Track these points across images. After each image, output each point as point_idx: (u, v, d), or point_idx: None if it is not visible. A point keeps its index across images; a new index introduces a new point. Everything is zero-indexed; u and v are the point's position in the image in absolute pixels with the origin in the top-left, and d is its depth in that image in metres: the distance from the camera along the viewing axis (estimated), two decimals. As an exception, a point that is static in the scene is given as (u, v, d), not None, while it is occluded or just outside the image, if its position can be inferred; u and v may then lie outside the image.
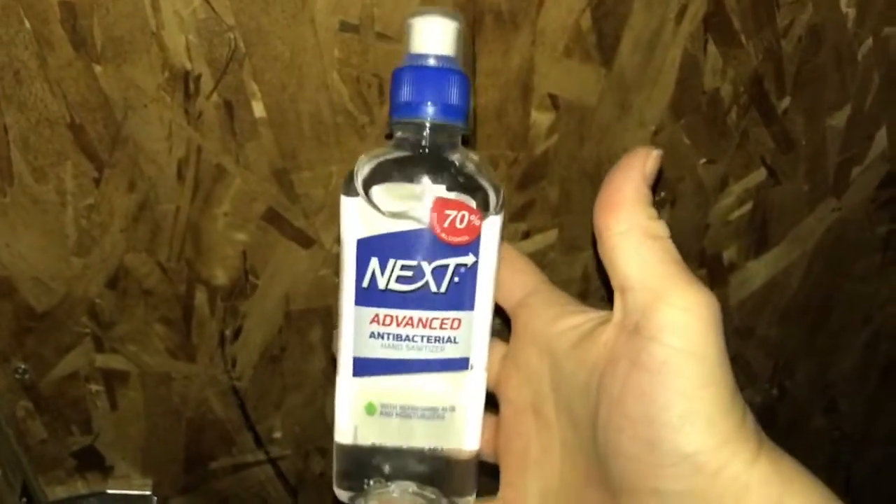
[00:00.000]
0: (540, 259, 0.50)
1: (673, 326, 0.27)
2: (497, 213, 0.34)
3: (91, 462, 0.52)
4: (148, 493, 0.55)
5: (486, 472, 0.38)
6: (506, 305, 0.36)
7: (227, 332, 0.48)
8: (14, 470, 0.49)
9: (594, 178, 0.47)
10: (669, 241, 0.30)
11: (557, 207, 0.48)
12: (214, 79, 0.39)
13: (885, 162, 0.52)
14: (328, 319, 0.49)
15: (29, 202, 0.41)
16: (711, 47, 0.44)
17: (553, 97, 0.44)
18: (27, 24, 0.36)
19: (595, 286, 0.52)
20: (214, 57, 0.39)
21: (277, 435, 0.54)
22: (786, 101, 0.48)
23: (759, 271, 0.55)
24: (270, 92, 0.40)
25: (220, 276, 0.46)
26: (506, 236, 0.48)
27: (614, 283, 0.30)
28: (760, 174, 0.50)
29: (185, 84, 0.39)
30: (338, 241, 0.45)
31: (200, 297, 0.46)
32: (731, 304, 0.56)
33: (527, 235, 0.49)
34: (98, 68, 0.38)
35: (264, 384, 0.51)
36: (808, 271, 0.56)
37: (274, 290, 0.47)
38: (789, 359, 0.62)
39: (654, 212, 0.30)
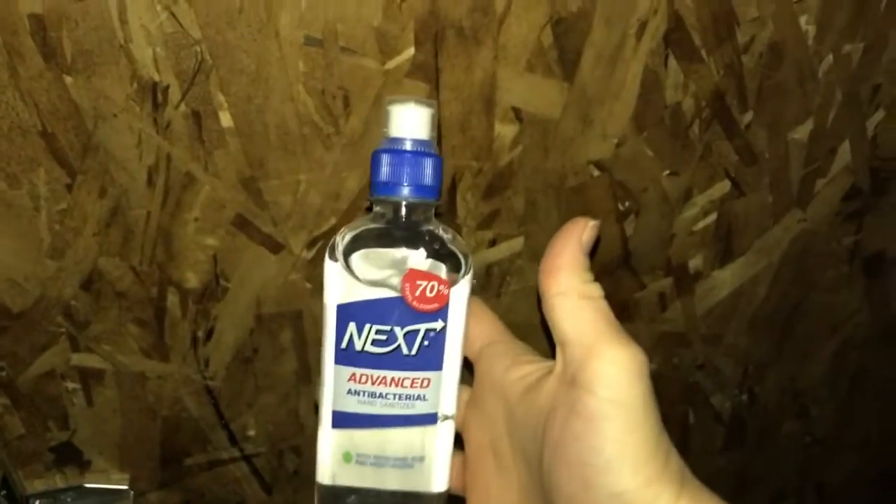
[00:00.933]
0: (507, 266, 0.51)
1: (603, 378, 0.30)
2: (465, 277, 0.36)
3: (69, 457, 0.54)
4: (125, 487, 0.56)
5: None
6: (468, 354, 0.39)
7: (200, 334, 0.50)
8: (-7, 464, 0.50)
9: (559, 189, 0.48)
10: (603, 301, 0.33)
11: (523, 216, 0.49)
12: (182, 90, 0.41)
13: (850, 174, 0.53)
14: (299, 323, 0.50)
15: (3, 207, 0.42)
16: (672, 62, 0.45)
17: (517, 110, 0.45)
18: (-2, 37, 0.37)
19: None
20: (182, 69, 0.40)
21: (251, 433, 0.56)
22: (748, 116, 0.49)
23: (725, 280, 0.56)
24: (237, 103, 0.41)
25: (192, 280, 0.47)
26: (473, 244, 0.49)
27: (555, 338, 0.33)
28: (724, 186, 0.51)
29: (154, 95, 0.40)
30: (307, 246, 0.47)
31: (172, 299, 0.48)
32: (698, 312, 0.57)
33: (493, 243, 0.50)
34: (68, 79, 0.39)
35: (237, 384, 0.53)
36: (774, 281, 0.57)
37: (244, 294, 0.48)
38: (759, 366, 0.63)
39: (589, 276, 0.33)
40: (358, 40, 0.41)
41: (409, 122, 0.36)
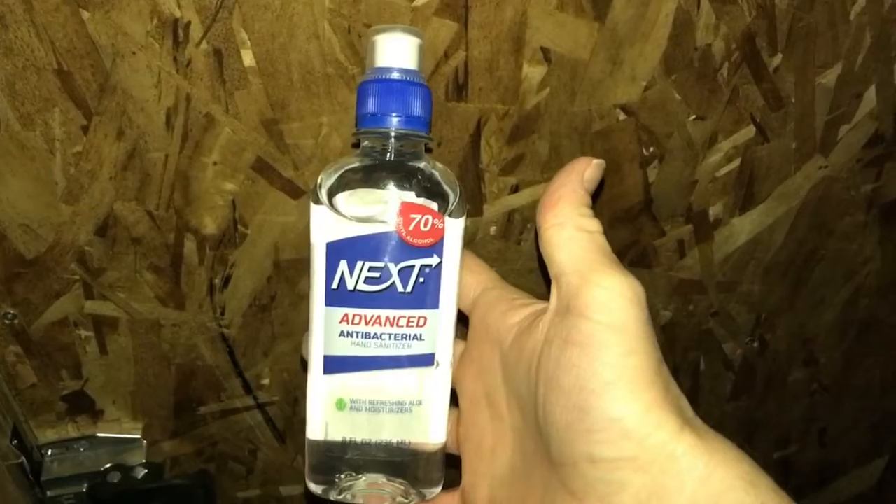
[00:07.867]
0: (529, 213, 0.50)
1: (598, 303, 0.30)
2: (459, 215, 0.35)
3: (81, 406, 0.53)
4: (137, 436, 0.55)
5: (454, 465, 0.40)
6: (462, 306, 0.38)
7: (216, 281, 0.49)
8: (4, 413, 0.49)
9: (584, 133, 0.47)
10: (601, 235, 0.32)
11: (547, 162, 0.48)
12: (204, 26, 0.39)
13: (874, 121, 0.53)
14: (317, 269, 0.49)
15: (16, 148, 0.41)
16: (705, 3, 0.44)
17: (545, 51, 0.44)
18: (13, -32, 0.35)
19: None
20: (204, 4, 0.38)
21: (266, 381, 0.55)
22: (777, 59, 0.48)
23: (744, 227, 0.56)
24: (260, 41, 0.40)
25: (209, 225, 0.46)
26: (496, 190, 0.48)
27: (550, 271, 0.33)
28: (749, 131, 0.51)
29: (174, 31, 0.39)
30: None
31: (189, 245, 0.46)
32: (716, 259, 0.57)
33: (516, 189, 0.49)
34: (86, 14, 0.37)
35: (253, 332, 0.52)
36: (792, 228, 0.57)
37: (263, 240, 0.47)
38: (771, 313, 0.63)
39: (588, 210, 0.33)
40: (387, -24, 0.39)
41: (397, 51, 0.35)
